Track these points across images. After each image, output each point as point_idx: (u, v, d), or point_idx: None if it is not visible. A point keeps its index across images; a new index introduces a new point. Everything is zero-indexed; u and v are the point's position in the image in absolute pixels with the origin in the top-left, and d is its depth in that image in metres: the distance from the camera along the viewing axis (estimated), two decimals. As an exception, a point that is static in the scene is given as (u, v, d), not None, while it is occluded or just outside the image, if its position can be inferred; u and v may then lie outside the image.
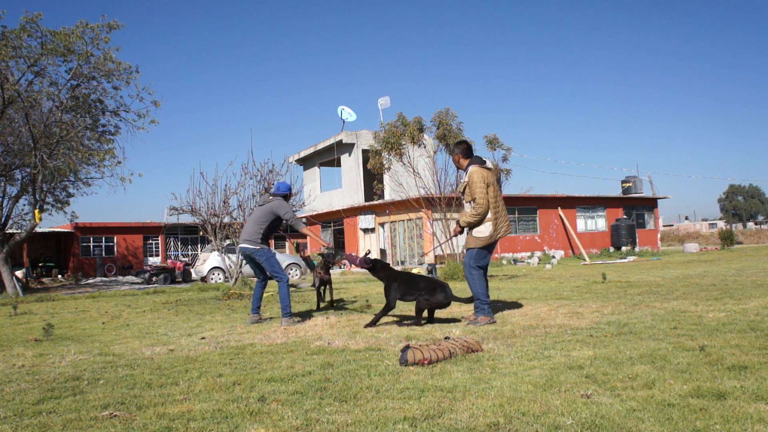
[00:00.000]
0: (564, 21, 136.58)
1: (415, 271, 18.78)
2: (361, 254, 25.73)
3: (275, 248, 30.52)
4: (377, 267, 6.16)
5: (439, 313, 6.66)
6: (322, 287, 8.40)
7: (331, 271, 8.62)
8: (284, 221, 6.71)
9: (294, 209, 8.78)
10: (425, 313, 5.93)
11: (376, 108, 33.65)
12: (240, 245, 6.80)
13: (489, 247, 5.95)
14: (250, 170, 11.41)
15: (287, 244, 32.99)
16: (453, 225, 6.40)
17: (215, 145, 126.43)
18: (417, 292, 5.78)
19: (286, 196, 6.83)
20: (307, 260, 9.63)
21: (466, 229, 6.19)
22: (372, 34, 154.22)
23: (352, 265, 6.58)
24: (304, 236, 8.04)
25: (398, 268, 21.57)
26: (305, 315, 7.30)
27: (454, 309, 6.99)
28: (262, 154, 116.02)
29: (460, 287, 9.78)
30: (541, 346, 4.39)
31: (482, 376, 3.54)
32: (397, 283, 5.95)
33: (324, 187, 30.85)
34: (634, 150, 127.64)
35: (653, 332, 4.75)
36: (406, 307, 7.11)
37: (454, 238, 6.76)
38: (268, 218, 6.59)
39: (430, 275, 14.17)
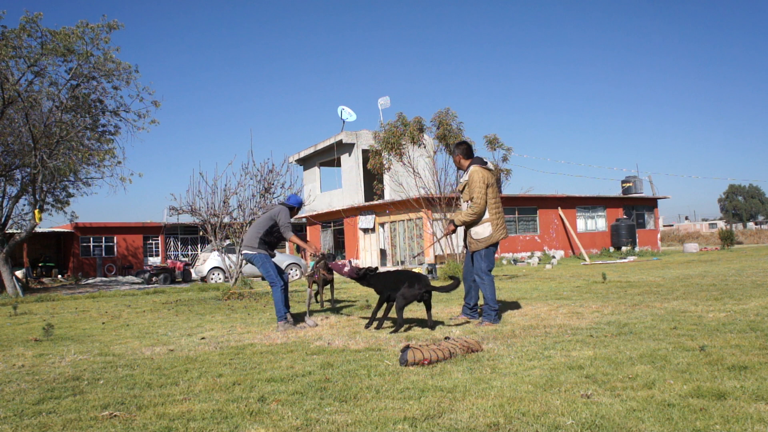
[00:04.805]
0: (564, 21, 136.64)
1: (415, 271, 18.78)
2: (361, 254, 25.72)
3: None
4: (365, 277, 6.04)
5: (439, 313, 6.66)
6: (326, 286, 8.55)
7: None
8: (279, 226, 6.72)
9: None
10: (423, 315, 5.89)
11: (376, 108, 33.69)
12: (242, 251, 6.87)
13: (492, 248, 5.93)
14: (250, 170, 11.41)
15: (287, 244, 32.97)
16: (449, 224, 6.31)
17: (215, 145, 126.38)
18: (396, 289, 5.64)
19: (293, 209, 6.87)
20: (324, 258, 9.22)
21: (461, 229, 6.16)
22: (372, 34, 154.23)
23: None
24: (304, 239, 7.99)
25: (398, 268, 21.58)
26: (304, 316, 7.30)
27: (454, 310, 6.99)
28: (262, 154, 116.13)
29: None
30: (541, 346, 4.39)
31: (482, 376, 3.54)
32: (382, 283, 5.89)
33: (324, 187, 30.86)
34: (634, 150, 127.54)
35: (653, 332, 4.75)
36: (407, 308, 7.10)
37: (452, 236, 6.75)
38: (267, 224, 6.65)
39: (429, 274, 14.19)
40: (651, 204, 30.58)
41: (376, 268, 6.24)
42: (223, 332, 6.09)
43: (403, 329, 5.54)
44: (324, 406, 3.07)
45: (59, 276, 27.12)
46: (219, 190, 11.46)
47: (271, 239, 6.70)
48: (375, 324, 5.80)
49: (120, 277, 27.40)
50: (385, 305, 5.87)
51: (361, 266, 6.33)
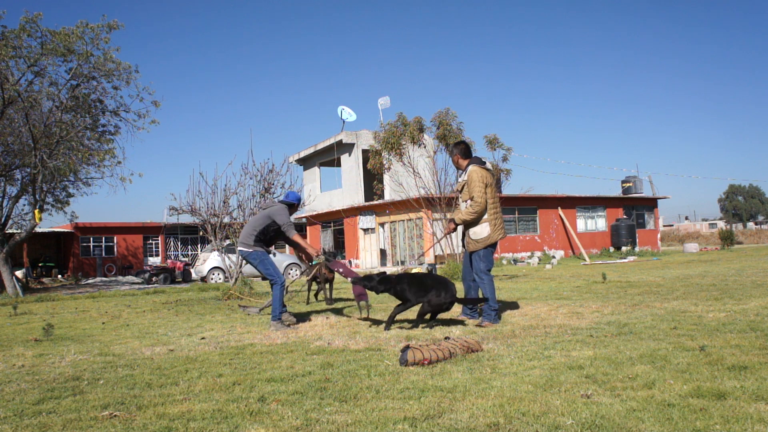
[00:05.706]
0: (564, 21, 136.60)
1: (414, 270, 18.78)
2: (361, 254, 25.69)
3: (275, 248, 30.50)
4: (375, 282, 5.89)
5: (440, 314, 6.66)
6: (326, 285, 8.69)
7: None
8: (280, 225, 6.62)
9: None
10: (427, 315, 5.85)
11: (376, 108, 33.68)
12: (238, 247, 6.80)
13: (491, 248, 5.94)
14: (250, 170, 11.40)
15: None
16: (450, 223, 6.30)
17: (215, 145, 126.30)
18: (426, 294, 5.60)
19: (293, 206, 6.75)
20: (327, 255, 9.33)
21: (460, 228, 6.17)
22: (372, 34, 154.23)
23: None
24: (303, 239, 7.96)
25: (398, 268, 21.58)
26: (305, 316, 7.30)
27: (454, 309, 6.99)
28: (262, 154, 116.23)
29: (460, 288, 9.75)
30: (541, 346, 4.39)
31: (482, 376, 3.54)
32: (407, 284, 5.75)
33: (324, 187, 30.88)
34: (634, 150, 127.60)
35: (653, 332, 4.75)
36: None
37: (451, 235, 6.76)
38: (264, 222, 6.51)
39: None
40: (651, 204, 30.59)
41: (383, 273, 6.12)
42: (223, 332, 6.09)
43: (402, 329, 5.54)
44: (324, 406, 3.07)
45: (59, 276, 27.12)
46: (219, 190, 11.47)
47: (267, 237, 6.59)
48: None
49: (120, 277, 27.39)
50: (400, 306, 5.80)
51: (360, 271, 6.30)
